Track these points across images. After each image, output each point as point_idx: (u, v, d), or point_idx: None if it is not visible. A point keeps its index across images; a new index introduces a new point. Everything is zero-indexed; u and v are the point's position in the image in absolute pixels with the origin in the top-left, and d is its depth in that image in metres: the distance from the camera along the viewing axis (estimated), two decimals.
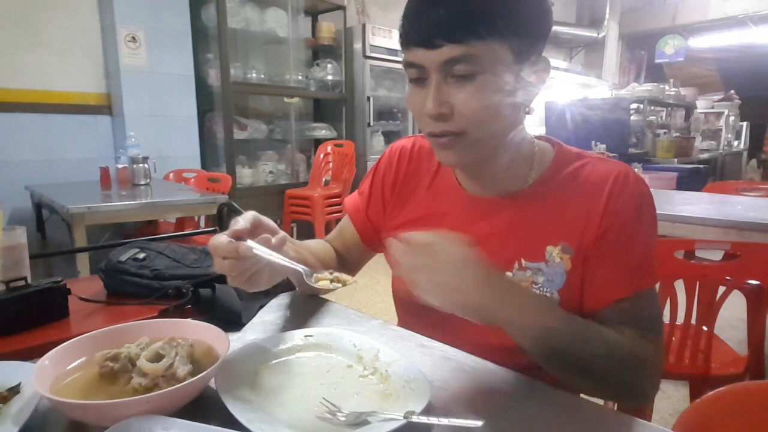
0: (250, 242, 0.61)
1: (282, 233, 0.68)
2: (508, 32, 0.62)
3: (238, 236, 0.62)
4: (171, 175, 3.22)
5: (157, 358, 0.54)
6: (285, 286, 0.93)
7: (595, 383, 0.62)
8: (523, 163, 0.73)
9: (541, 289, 0.69)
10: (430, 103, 0.64)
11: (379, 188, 0.88)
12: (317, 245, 0.90)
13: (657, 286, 0.70)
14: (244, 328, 0.76)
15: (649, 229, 0.70)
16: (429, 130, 0.68)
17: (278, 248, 0.64)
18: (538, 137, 0.77)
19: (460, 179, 0.79)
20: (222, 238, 0.62)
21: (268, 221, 0.68)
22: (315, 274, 0.67)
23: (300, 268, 0.65)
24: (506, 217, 0.73)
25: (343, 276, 0.67)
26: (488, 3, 0.61)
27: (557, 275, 0.69)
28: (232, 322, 0.77)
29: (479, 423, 0.48)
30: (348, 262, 0.94)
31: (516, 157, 0.73)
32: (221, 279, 0.89)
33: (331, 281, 0.66)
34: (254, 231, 0.65)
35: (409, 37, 0.64)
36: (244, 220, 0.64)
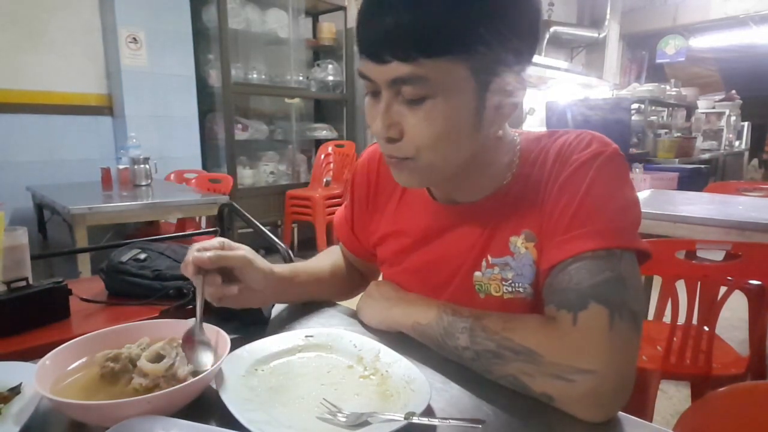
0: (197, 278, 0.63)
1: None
2: (466, 51, 0.54)
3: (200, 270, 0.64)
4: (172, 175, 3.23)
5: (158, 358, 0.54)
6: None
7: (500, 381, 0.58)
8: (499, 167, 0.68)
9: (513, 285, 0.66)
10: (378, 124, 0.59)
11: (358, 201, 0.86)
12: (322, 264, 0.89)
13: (626, 254, 0.58)
14: (244, 328, 0.76)
15: (608, 188, 0.60)
16: (381, 150, 0.64)
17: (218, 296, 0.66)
18: (521, 132, 0.72)
19: (431, 189, 0.75)
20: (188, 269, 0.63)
21: (230, 251, 0.67)
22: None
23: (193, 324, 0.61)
24: (477, 219, 0.69)
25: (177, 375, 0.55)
26: (444, 15, 0.52)
27: (526, 268, 0.65)
28: (255, 321, 0.77)
29: (479, 425, 0.48)
30: (360, 272, 0.94)
31: (491, 165, 0.67)
32: None
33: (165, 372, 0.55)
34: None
35: (360, 45, 0.58)
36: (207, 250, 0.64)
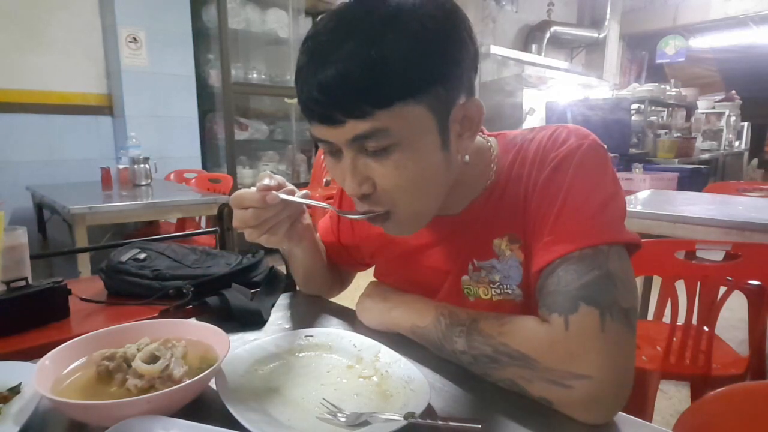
0: (277, 192, 0.64)
1: (305, 192, 0.69)
2: (419, 90, 0.52)
3: (268, 189, 0.64)
4: (172, 175, 3.23)
5: (153, 359, 0.54)
6: (287, 286, 0.94)
7: (499, 384, 0.58)
8: (479, 178, 0.68)
9: (501, 287, 0.66)
10: (349, 184, 0.57)
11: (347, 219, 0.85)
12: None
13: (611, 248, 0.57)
14: (244, 328, 0.76)
15: (588, 183, 0.59)
16: (357, 208, 0.63)
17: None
18: (498, 135, 0.72)
19: None
20: (247, 190, 0.64)
21: (292, 187, 0.69)
22: (346, 214, 0.67)
23: (330, 207, 0.66)
24: (461, 227, 0.69)
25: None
26: (389, 60, 0.50)
27: (513, 269, 0.65)
28: (254, 322, 0.77)
29: (479, 425, 0.48)
30: (339, 271, 0.93)
31: (468, 181, 0.67)
32: (225, 282, 0.89)
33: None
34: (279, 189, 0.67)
35: (307, 111, 0.55)
36: (271, 178, 0.65)
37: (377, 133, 0.53)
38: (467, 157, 0.63)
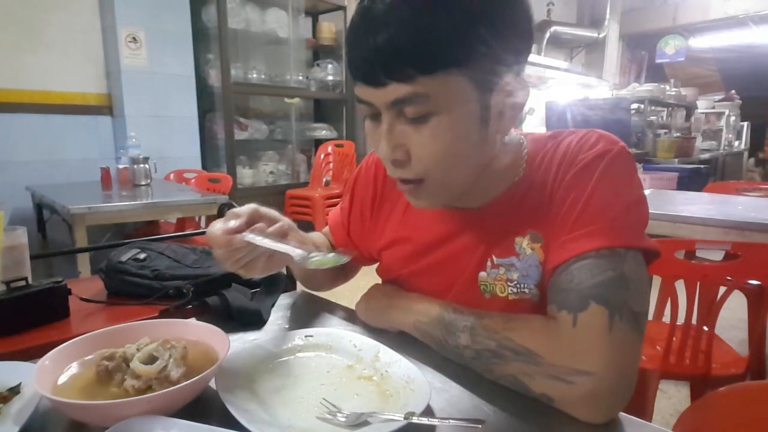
0: (245, 233, 0.60)
1: (282, 222, 0.66)
2: (464, 62, 0.53)
3: (234, 231, 0.60)
4: (171, 175, 3.22)
5: (151, 360, 0.54)
6: (287, 286, 0.94)
7: (500, 381, 0.58)
8: (507, 171, 0.67)
9: (518, 286, 0.65)
10: (384, 148, 0.58)
11: (358, 206, 0.84)
12: (319, 238, 0.91)
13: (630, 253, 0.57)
14: (244, 328, 0.76)
15: (613, 187, 0.60)
16: (389, 174, 0.63)
17: (276, 237, 0.62)
18: (527, 134, 0.72)
19: None
20: (216, 229, 0.61)
21: (268, 211, 0.67)
22: (311, 258, 0.60)
23: (294, 252, 0.60)
24: (483, 222, 0.69)
25: (338, 255, 0.62)
26: (438, 29, 0.51)
27: (532, 269, 0.64)
28: (254, 322, 0.77)
29: (479, 425, 0.48)
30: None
31: (498, 170, 0.67)
32: (225, 282, 0.90)
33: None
34: (251, 224, 0.63)
35: (353, 70, 0.56)
36: (238, 217, 0.62)
37: (417, 99, 0.54)
38: (506, 138, 0.63)
